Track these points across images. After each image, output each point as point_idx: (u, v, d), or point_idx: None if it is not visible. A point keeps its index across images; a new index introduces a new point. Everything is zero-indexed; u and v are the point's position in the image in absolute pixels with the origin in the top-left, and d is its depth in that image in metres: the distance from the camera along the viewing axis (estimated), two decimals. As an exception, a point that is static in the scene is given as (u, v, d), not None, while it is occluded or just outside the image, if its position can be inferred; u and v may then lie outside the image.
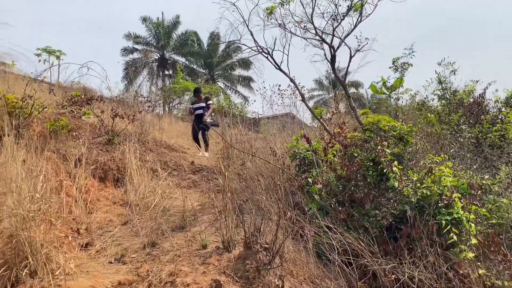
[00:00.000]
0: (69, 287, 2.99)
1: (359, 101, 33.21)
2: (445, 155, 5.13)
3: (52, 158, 5.36)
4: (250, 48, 6.64)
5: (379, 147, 4.66)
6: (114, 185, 6.08)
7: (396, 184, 4.43)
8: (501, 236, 3.82)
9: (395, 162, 4.55)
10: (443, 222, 3.93)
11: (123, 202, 5.51)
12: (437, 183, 4.25)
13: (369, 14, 6.17)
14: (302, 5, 6.36)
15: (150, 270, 3.44)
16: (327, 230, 4.04)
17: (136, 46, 33.74)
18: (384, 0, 6.00)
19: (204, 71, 35.07)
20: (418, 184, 4.33)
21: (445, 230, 3.89)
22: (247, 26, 6.48)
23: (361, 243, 3.87)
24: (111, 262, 3.75)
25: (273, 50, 6.58)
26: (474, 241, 3.87)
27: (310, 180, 4.97)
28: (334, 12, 6.19)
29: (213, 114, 9.79)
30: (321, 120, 6.79)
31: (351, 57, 6.25)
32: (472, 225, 3.98)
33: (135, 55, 33.42)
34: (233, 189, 4.86)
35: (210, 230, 4.32)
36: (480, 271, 3.54)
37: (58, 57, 13.92)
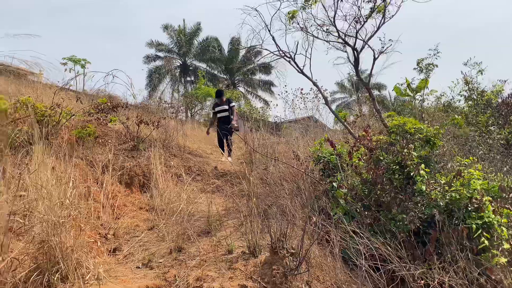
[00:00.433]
0: (99, 291, 3.06)
1: (382, 103, 32.74)
2: (474, 158, 5.00)
3: (80, 165, 5.49)
4: (273, 52, 6.62)
5: (405, 150, 4.58)
6: (140, 191, 6.17)
7: (424, 187, 4.33)
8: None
9: (422, 165, 4.45)
10: (474, 226, 3.80)
11: (149, 207, 5.58)
12: (466, 186, 4.13)
13: (393, 16, 6.08)
14: (324, 8, 6.32)
15: (177, 275, 3.48)
16: (353, 235, 3.97)
17: (159, 54, 34.41)
18: (408, 1, 5.90)
19: (225, 76, 35.40)
20: (446, 187, 4.22)
21: (476, 235, 3.76)
22: (269, 30, 6.48)
23: (388, 248, 3.78)
24: (139, 267, 3.81)
25: (295, 54, 6.55)
26: (506, 245, 3.73)
27: (335, 184, 4.91)
28: (357, 15, 6.12)
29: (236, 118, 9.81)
30: (345, 123, 6.73)
31: (374, 59, 6.16)
32: (504, 229, 3.84)
33: (158, 63, 34.14)
34: (258, 194, 4.86)
35: (236, 235, 4.33)
36: (514, 277, 3.43)
37: (83, 66, 14.32)
